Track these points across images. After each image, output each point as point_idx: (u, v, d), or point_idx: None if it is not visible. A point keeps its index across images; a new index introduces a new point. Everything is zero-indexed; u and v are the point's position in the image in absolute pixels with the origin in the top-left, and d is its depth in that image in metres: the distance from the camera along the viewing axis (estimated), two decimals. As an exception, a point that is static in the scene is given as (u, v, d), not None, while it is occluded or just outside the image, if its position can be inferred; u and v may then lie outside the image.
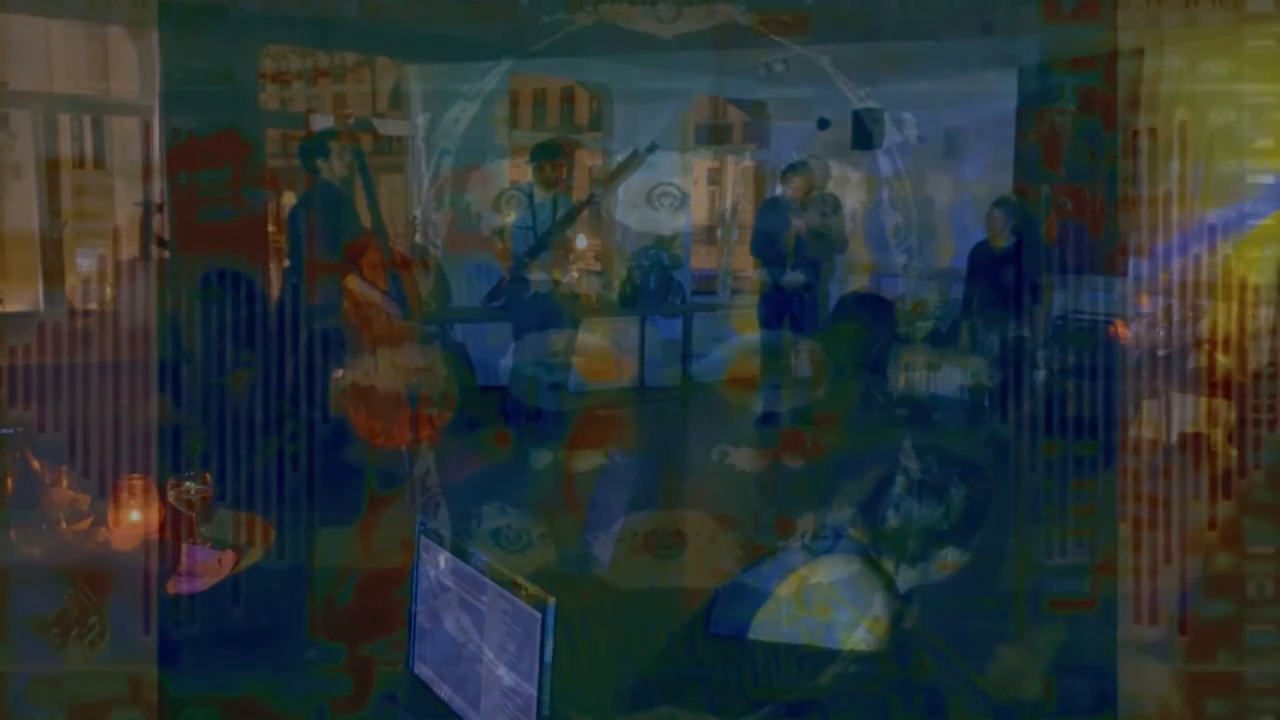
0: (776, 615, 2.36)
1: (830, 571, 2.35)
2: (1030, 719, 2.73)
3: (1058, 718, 2.79)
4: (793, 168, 7.43)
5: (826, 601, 2.29)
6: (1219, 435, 3.41)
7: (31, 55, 7.54)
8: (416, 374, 5.81)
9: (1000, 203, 6.94)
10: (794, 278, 7.18)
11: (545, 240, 6.60)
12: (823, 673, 2.23)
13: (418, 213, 8.11)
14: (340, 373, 5.68)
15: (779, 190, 7.55)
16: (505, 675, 1.64)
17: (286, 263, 6.16)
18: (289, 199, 8.77)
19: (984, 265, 6.91)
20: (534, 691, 1.58)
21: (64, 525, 2.88)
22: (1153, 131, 3.46)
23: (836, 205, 7.86)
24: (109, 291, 4.52)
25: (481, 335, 6.94)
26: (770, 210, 7.48)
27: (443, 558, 1.81)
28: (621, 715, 2.24)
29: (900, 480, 2.36)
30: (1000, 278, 6.67)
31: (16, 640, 2.71)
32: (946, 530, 2.31)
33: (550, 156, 6.78)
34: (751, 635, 2.34)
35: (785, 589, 2.39)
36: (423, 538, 1.87)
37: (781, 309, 7.26)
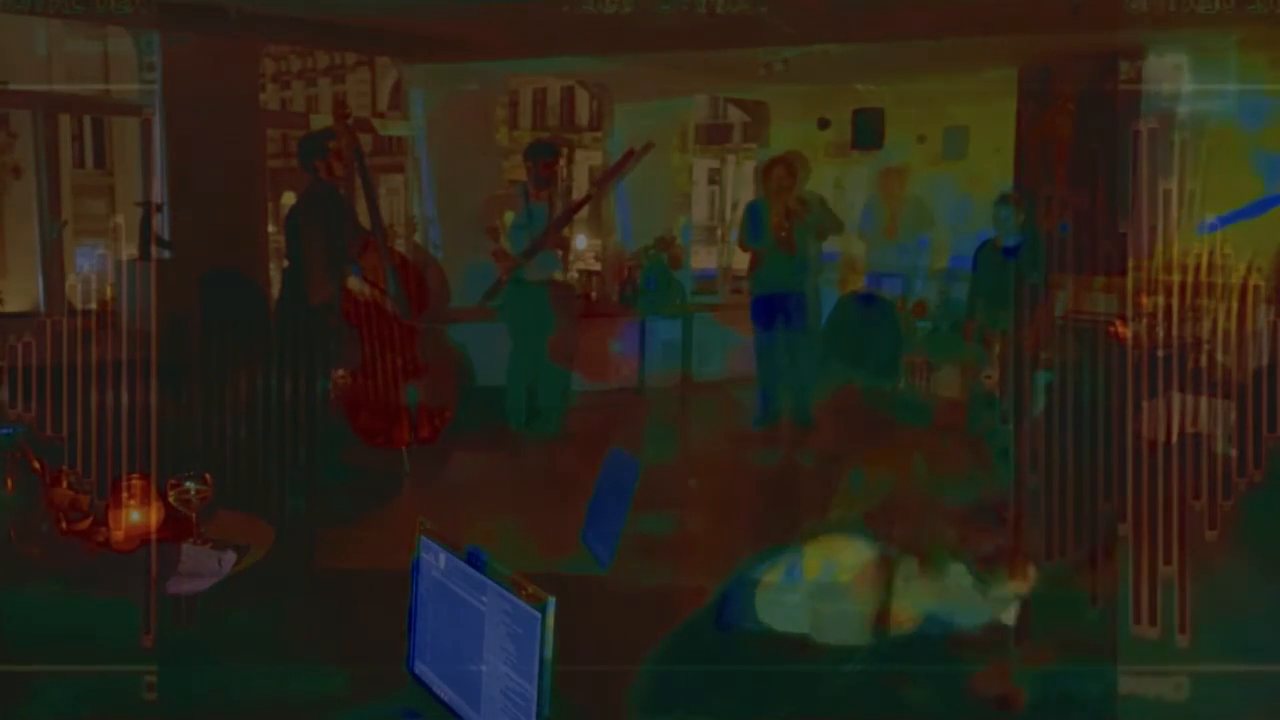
0: (787, 602, 2.39)
1: (843, 558, 2.38)
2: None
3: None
4: (770, 164, 7.34)
5: (836, 589, 2.33)
6: (1219, 435, 3.41)
7: (31, 55, 7.53)
8: (415, 374, 5.81)
9: (1004, 200, 6.92)
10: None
11: (541, 240, 6.58)
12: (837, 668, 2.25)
13: (417, 212, 8.12)
14: (340, 373, 5.68)
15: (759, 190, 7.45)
16: (505, 675, 1.63)
17: (286, 263, 6.16)
18: (288, 199, 8.78)
19: (989, 264, 6.90)
20: (534, 691, 1.57)
21: (64, 525, 2.87)
22: (1154, 131, 3.46)
23: (820, 201, 7.80)
24: (109, 291, 4.52)
25: (481, 335, 6.93)
26: (752, 209, 7.42)
27: (443, 557, 1.81)
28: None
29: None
30: (1005, 276, 6.65)
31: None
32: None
33: (543, 156, 6.74)
34: (763, 621, 2.36)
35: (799, 576, 2.43)
36: (423, 538, 1.87)
37: (774, 309, 7.24)
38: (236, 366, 4.52)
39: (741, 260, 9.53)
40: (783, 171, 7.09)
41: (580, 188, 11.43)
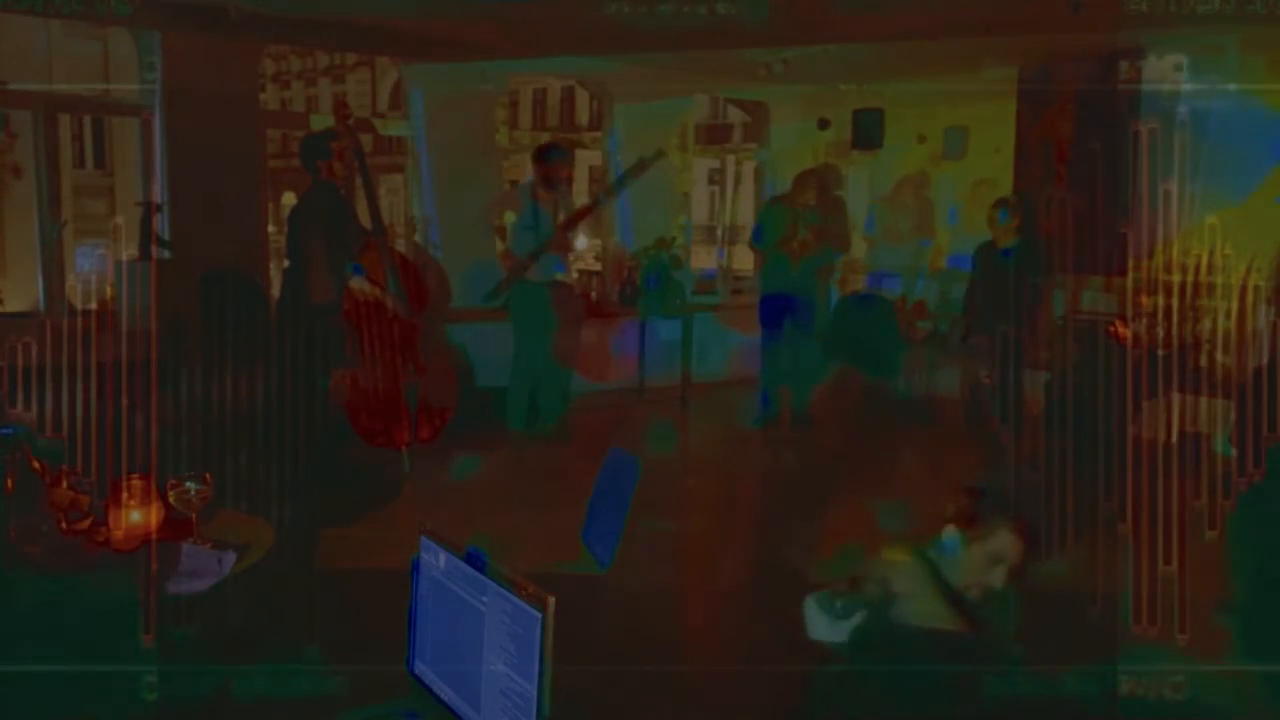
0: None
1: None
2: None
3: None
4: (807, 174, 7.40)
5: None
6: (1219, 435, 3.41)
7: (31, 55, 7.54)
8: (416, 374, 5.81)
9: (1001, 203, 6.93)
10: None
11: (547, 244, 6.61)
12: None
13: (417, 212, 8.12)
14: (339, 372, 5.67)
15: (786, 190, 7.49)
16: (505, 675, 1.64)
17: (286, 263, 6.17)
18: (289, 199, 8.79)
19: (988, 265, 6.91)
20: (534, 691, 1.57)
21: (64, 525, 2.87)
22: (1153, 131, 3.45)
23: (842, 208, 7.84)
24: (109, 291, 4.51)
25: (481, 335, 6.94)
26: (774, 211, 7.45)
27: (443, 557, 1.81)
28: None
29: None
30: (1004, 277, 6.66)
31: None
32: None
33: (553, 158, 6.78)
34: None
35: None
36: (423, 538, 1.87)
37: (782, 309, 7.25)
38: (236, 366, 4.52)
39: (742, 260, 9.53)
40: (813, 195, 7.14)
41: (581, 189, 11.41)
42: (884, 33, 6.70)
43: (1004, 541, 2.46)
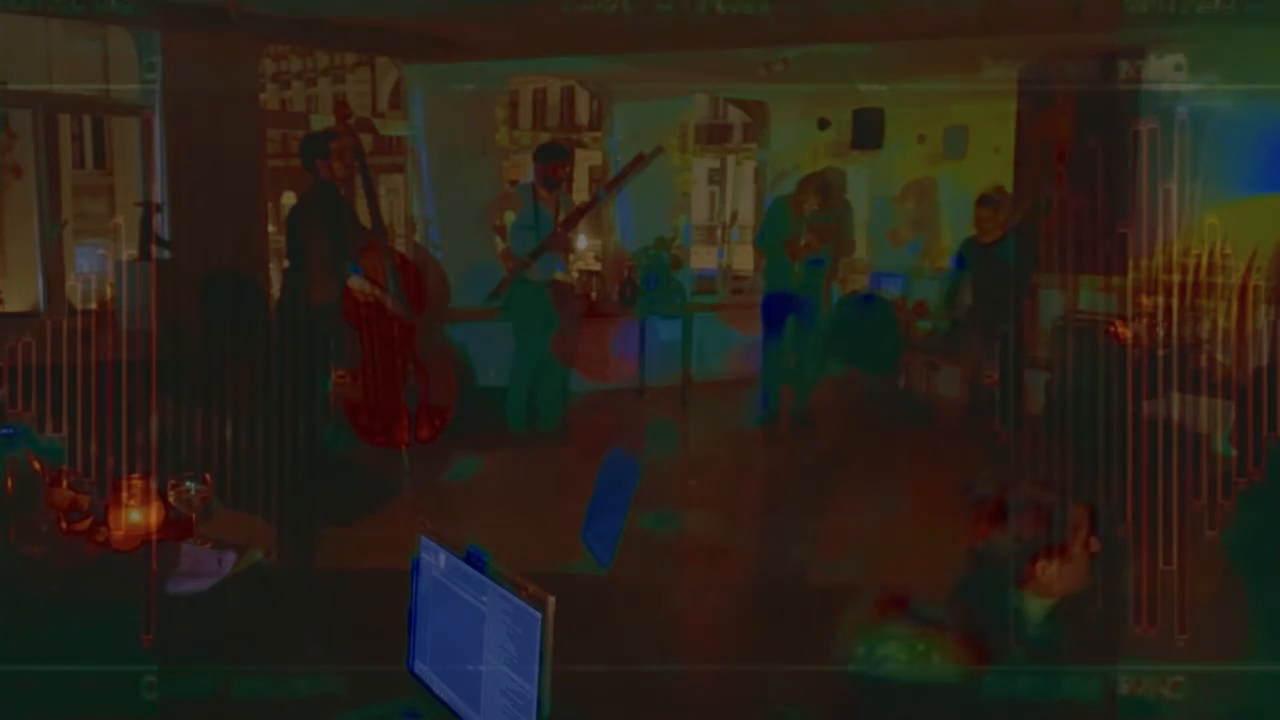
0: None
1: None
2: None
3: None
4: (810, 178, 7.37)
5: None
6: (1219, 435, 3.41)
7: (31, 55, 7.52)
8: (415, 374, 5.81)
9: (983, 199, 6.91)
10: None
11: (548, 243, 6.61)
12: None
13: (417, 212, 8.12)
14: (339, 372, 5.67)
15: (790, 191, 7.46)
16: (505, 675, 1.64)
17: (286, 263, 6.16)
18: (289, 199, 8.78)
19: (974, 261, 6.90)
20: (534, 691, 1.57)
21: (64, 525, 2.87)
22: (1153, 131, 3.45)
23: (848, 213, 7.83)
24: (109, 291, 4.52)
25: (481, 335, 6.94)
26: (779, 211, 7.43)
27: (443, 557, 1.81)
28: None
29: None
30: (991, 273, 6.65)
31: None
32: None
33: (553, 158, 6.79)
34: None
35: None
36: (423, 538, 1.87)
37: (783, 309, 7.25)
38: (236, 366, 4.52)
39: (742, 260, 9.52)
40: (816, 202, 7.12)
41: (581, 188, 11.41)
42: (884, 33, 6.70)
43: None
